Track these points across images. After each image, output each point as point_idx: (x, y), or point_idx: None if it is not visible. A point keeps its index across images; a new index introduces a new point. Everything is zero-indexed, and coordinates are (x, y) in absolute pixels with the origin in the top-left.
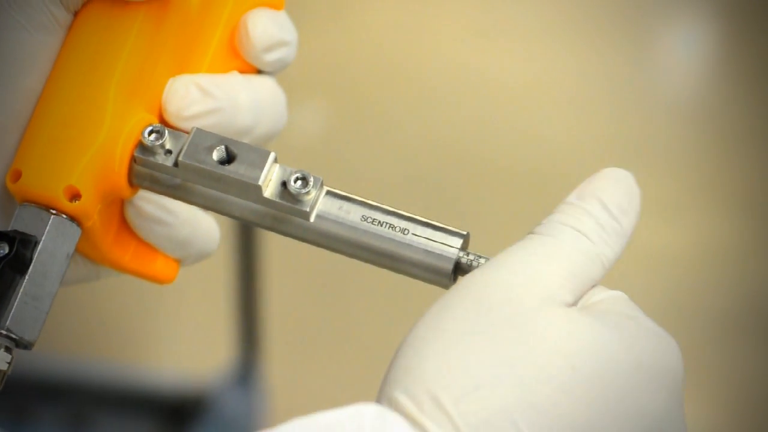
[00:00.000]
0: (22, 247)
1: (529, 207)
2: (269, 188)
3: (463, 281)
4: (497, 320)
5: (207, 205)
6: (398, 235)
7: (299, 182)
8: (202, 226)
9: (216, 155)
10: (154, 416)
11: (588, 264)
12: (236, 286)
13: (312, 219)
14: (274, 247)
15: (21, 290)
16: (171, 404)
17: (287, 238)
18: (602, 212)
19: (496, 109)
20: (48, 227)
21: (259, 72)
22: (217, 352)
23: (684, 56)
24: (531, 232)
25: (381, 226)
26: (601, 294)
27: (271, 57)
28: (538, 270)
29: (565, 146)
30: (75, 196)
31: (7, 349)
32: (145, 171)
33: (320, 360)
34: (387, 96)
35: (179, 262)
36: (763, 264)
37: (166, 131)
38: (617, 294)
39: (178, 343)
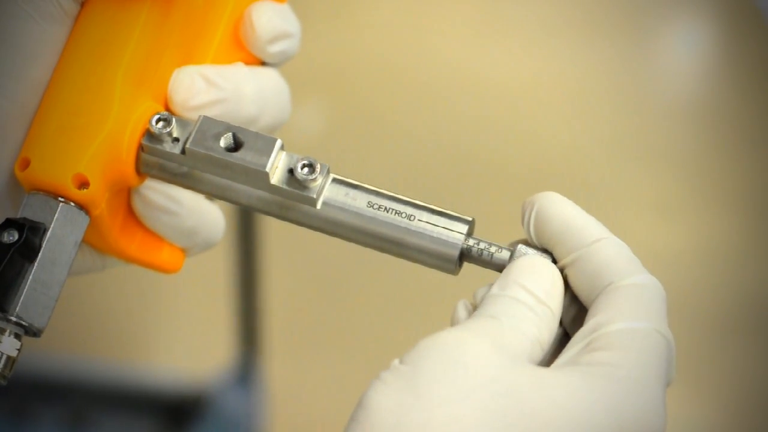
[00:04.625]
0: (31, 234)
1: None
2: (276, 175)
3: (424, 344)
4: (474, 385)
5: (214, 193)
6: (404, 222)
7: (306, 169)
8: (207, 216)
9: (223, 142)
10: (154, 416)
11: (527, 345)
12: (236, 285)
13: (319, 206)
14: (274, 247)
15: (30, 277)
16: (171, 404)
17: (287, 237)
18: (528, 297)
19: (496, 108)
20: (56, 215)
21: (262, 64)
22: (216, 351)
23: (684, 56)
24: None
25: (387, 212)
26: (612, 327)
27: (275, 48)
28: (505, 333)
29: (564, 146)
30: (83, 184)
31: (17, 336)
32: (153, 159)
33: (320, 360)
34: (386, 95)
35: (185, 251)
36: (763, 264)
37: (174, 119)
38: (631, 328)
39: (178, 342)
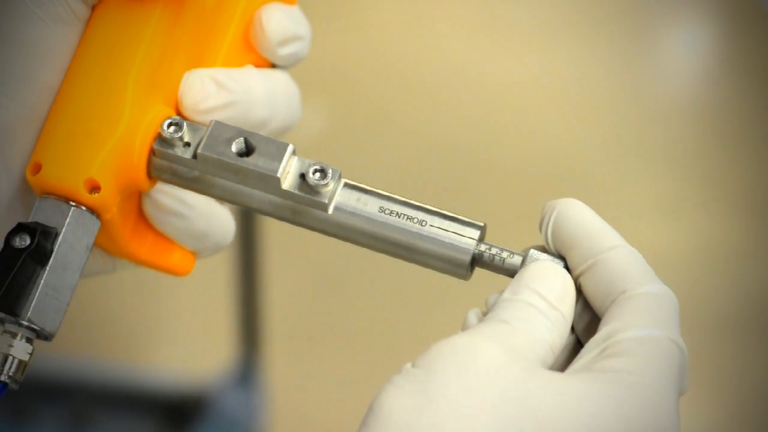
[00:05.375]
0: (43, 238)
1: (529, 206)
2: (288, 180)
3: (437, 348)
4: (486, 390)
5: (225, 198)
6: (416, 227)
7: (318, 174)
8: (218, 219)
9: (235, 147)
10: (155, 416)
11: (539, 349)
12: (237, 286)
13: (330, 210)
14: (275, 247)
15: (42, 281)
16: (171, 404)
17: (288, 238)
18: (540, 301)
19: (496, 108)
20: (68, 219)
21: (273, 66)
22: (217, 351)
23: (684, 56)
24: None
25: (399, 217)
26: (626, 334)
27: (285, 51)
28: (509, 354)
29: (564, 146)
30: (95, 189)
31: (28, 340)
32: (164, 163)
33: (321, 360)
34: (387, 95)
35: (195, 254)
36: (763, 264)
37: (185, 124)
38: (641, 336)
39: (178, 342)
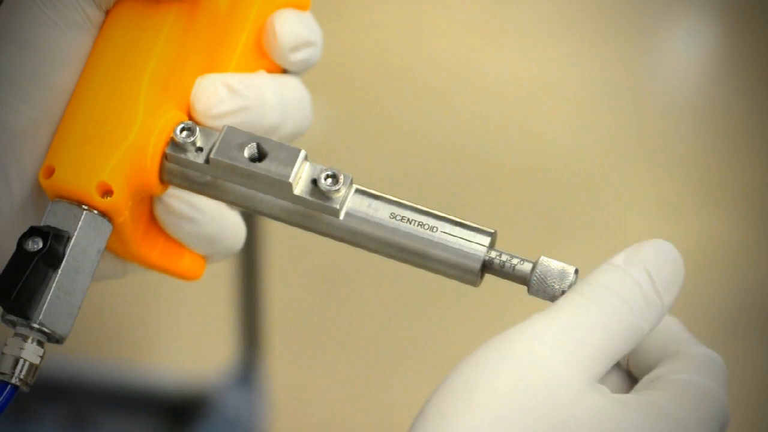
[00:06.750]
0: (55, 242)
1: (529, 205)
2: (299, 185)
3: (498, 344)
4: (535, 407)
5: (237, 203)
6: (427, 233)
7: (329, 180)
8: (229, 223)
9: (247, 152)
10: (155, 416)
11: (626, 338)
12: (238, 285)
13: (341, 216)
14: (276, 247)
15: (54, 285)
16: (172, 404)
17: (289, 238)
18: (649, 286)
19: (496, 108)
20: (80, 223)
21: (284, 72)
22: (218, 351)
23: (684, 56)
24: (573, 291)
25: (410, 223)
26: (676, 375)
27: (297, 57)
28: (579, 344)
29: (564, 146)
30: (107, 192)
31: (39, 343)
32: (176, 168)
33: (322, 360)
34: (387, 95)
35: (206, 258)
36: (763, 264)
37: (198, 128)
38: (687, 379)
39: (179, 342)
